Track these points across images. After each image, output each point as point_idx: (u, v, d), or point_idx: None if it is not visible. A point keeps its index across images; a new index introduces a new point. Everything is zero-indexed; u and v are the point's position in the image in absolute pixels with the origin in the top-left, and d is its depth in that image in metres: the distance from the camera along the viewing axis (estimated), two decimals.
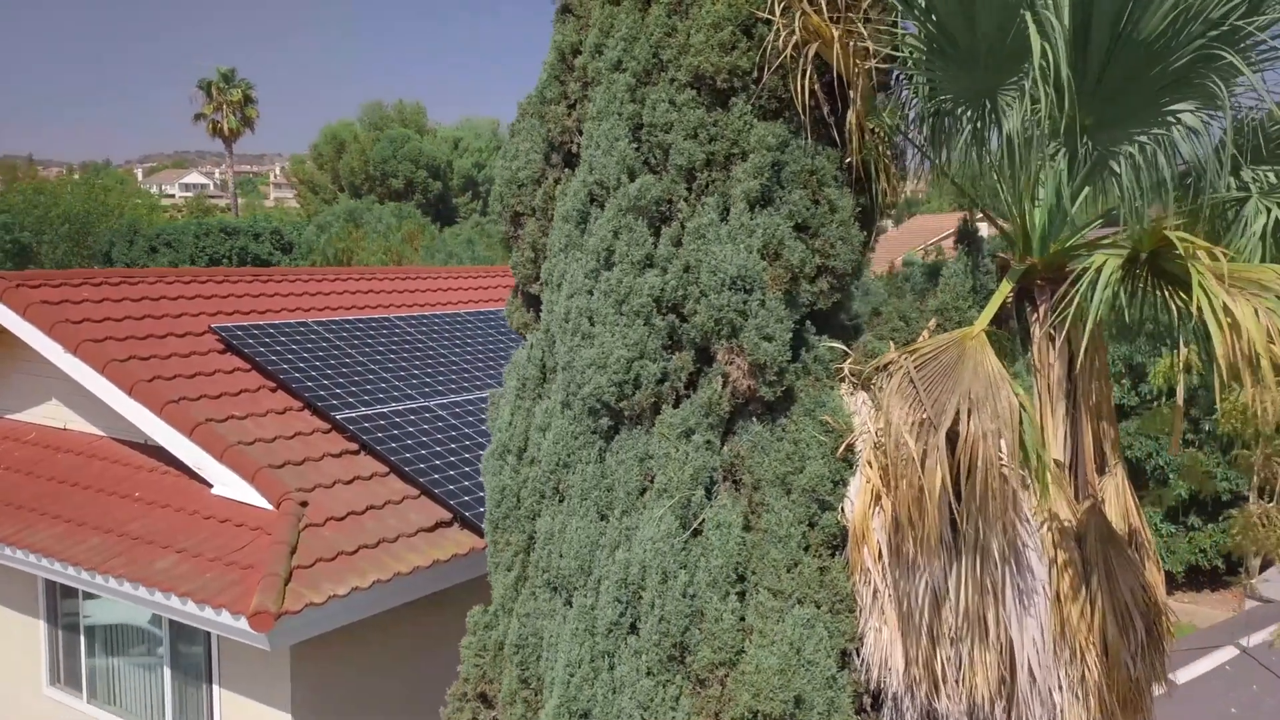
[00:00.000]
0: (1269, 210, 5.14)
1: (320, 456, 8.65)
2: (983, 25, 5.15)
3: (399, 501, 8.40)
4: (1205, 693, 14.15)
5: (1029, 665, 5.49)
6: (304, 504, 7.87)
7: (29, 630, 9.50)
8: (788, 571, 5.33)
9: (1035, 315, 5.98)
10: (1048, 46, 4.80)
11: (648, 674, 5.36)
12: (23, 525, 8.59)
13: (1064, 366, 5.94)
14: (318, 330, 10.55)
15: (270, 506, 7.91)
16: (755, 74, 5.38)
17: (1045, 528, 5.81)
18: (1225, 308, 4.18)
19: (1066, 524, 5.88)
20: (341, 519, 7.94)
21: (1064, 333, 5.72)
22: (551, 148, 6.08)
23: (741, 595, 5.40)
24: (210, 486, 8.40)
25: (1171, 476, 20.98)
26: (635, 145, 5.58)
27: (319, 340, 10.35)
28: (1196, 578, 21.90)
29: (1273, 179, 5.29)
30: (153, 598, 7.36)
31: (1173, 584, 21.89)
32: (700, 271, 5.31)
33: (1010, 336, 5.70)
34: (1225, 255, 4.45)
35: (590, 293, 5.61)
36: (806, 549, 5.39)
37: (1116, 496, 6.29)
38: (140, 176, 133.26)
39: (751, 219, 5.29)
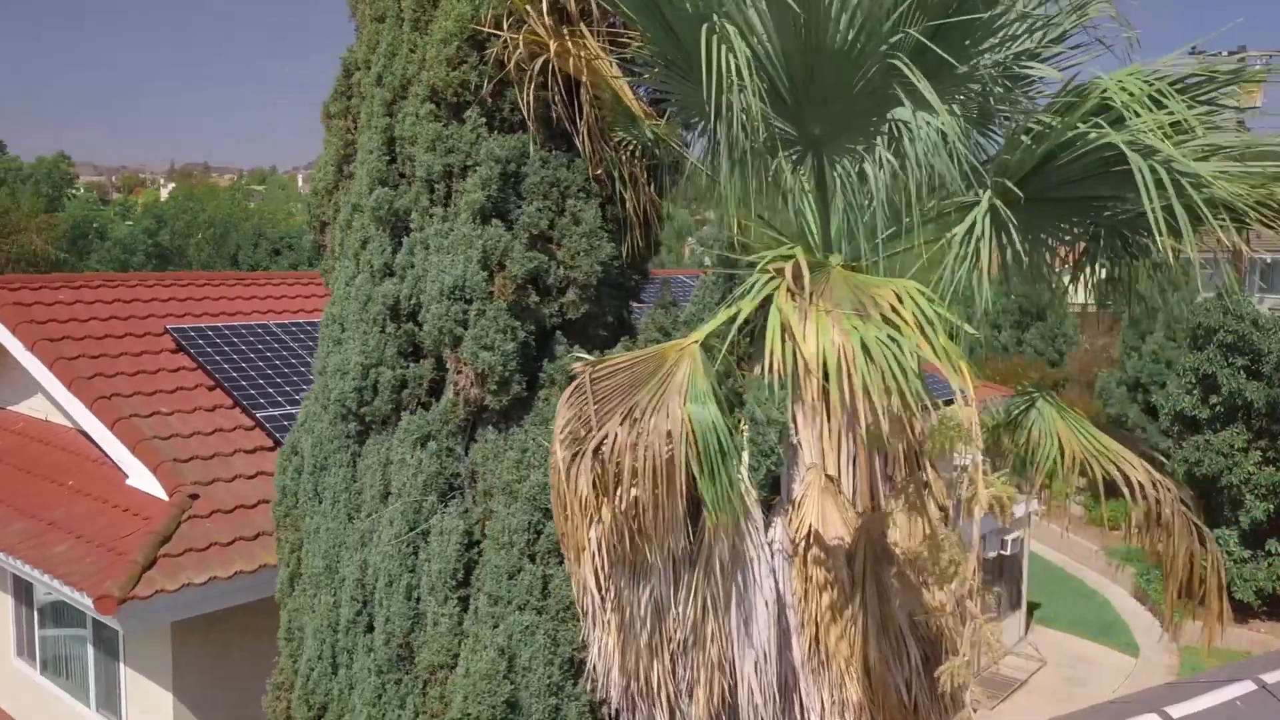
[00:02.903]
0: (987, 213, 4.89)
1: (232, 452, 9.12)
2: (684, 38, 5.09)
3: None
4: None
5: (749, 684, 5.41)
6: (194, 496, 8.33)
7: (1, 606, 10.35)
8: (509, 578, 5.39)
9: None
10: (729, 58, 4.71)
11: (378, 672, 5.52)
12: None
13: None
14: (275, 332, 11.09)
15: (166, 497, 8.40)
16: (490, 87, 5.47)
17: (802, 546, 5.68)
18: (784, 326, 4.06)
19: (836, 542, 5.73)
20: (229, 511, 8.36)
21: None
22: (342, 159, 6.30)
23: (466, 600, 5.49)
24: (127, 477, 8.98)
25: (1248, 498, 19.60)
26: (390, 158, 5.75)
27: (273, 341, 10.87)
28: (1278, 607, 20.39)
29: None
30: (42, 578, 7.96)
31: (1248, 612, 20.42)
32: (426, 281, 5.44)
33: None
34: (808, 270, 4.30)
35: (346, 299, 5.81)
36: (532, 557, 5.43)
37: (908, 517, 6.08)
38: (300, 182, 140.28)
39: (475, 230, 5.38)
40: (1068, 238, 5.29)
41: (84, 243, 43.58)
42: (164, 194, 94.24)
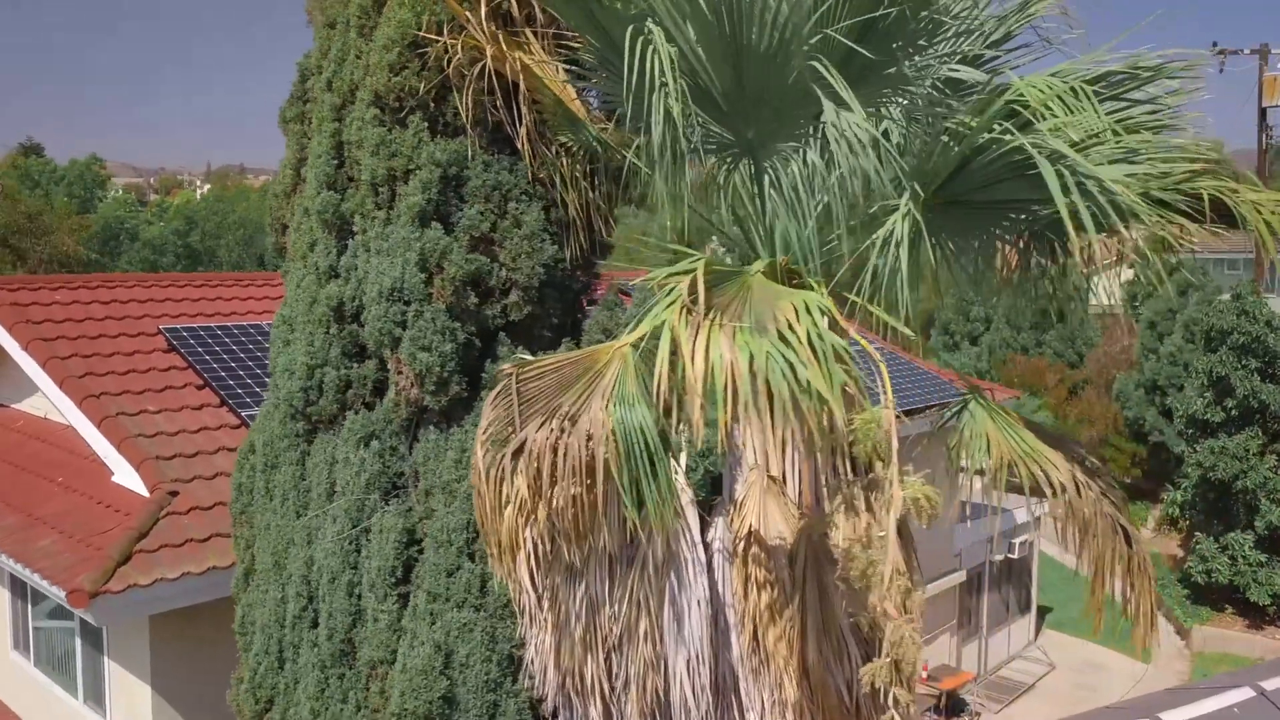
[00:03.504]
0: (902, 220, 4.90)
1: (215, 450, 9.27)
2: (617, 39, 5.14)
3: None
4: None
5: (681, 682, 5.45)
6: (174, 493, 8.49)
7: (1, 601, 10.59)
8: (448, 576, 5.47)
9: None
10: (654, 60, 4.75)
11: (321, 667, 5.62)
12: None
13: None
14: (266, 332, 11.24)
15: (148, 494, 8.57)
16: (433, 92, 5.56)
17: (741, 545, 5.70)
18: (674, 342, 4.11)
19: (778, 542, 5.75)
20: (208, 508, 8.51)
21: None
22: (299, 163, 6.41)
23: (406, 597, 5.58)
24: (113, 474, 9.16)
25: (1264, 502, 19.31)
26: (338, 162, 5.85)
27: (263, 341, 11.03)
28: None
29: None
30: (24, 572, 8.14)
31: (1263, 618, 20.12)
32: (367, 283, 5.53)
33: None
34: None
35: (295, 301, 5.92)
36: (471, 556, 5.51)
37: (848, 518, 6.08)
38: None
39: (414, 233, 5.46)
40: (998, 239, 5.28)
41: (115, 244, 44.24)
42: (200, 195, 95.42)
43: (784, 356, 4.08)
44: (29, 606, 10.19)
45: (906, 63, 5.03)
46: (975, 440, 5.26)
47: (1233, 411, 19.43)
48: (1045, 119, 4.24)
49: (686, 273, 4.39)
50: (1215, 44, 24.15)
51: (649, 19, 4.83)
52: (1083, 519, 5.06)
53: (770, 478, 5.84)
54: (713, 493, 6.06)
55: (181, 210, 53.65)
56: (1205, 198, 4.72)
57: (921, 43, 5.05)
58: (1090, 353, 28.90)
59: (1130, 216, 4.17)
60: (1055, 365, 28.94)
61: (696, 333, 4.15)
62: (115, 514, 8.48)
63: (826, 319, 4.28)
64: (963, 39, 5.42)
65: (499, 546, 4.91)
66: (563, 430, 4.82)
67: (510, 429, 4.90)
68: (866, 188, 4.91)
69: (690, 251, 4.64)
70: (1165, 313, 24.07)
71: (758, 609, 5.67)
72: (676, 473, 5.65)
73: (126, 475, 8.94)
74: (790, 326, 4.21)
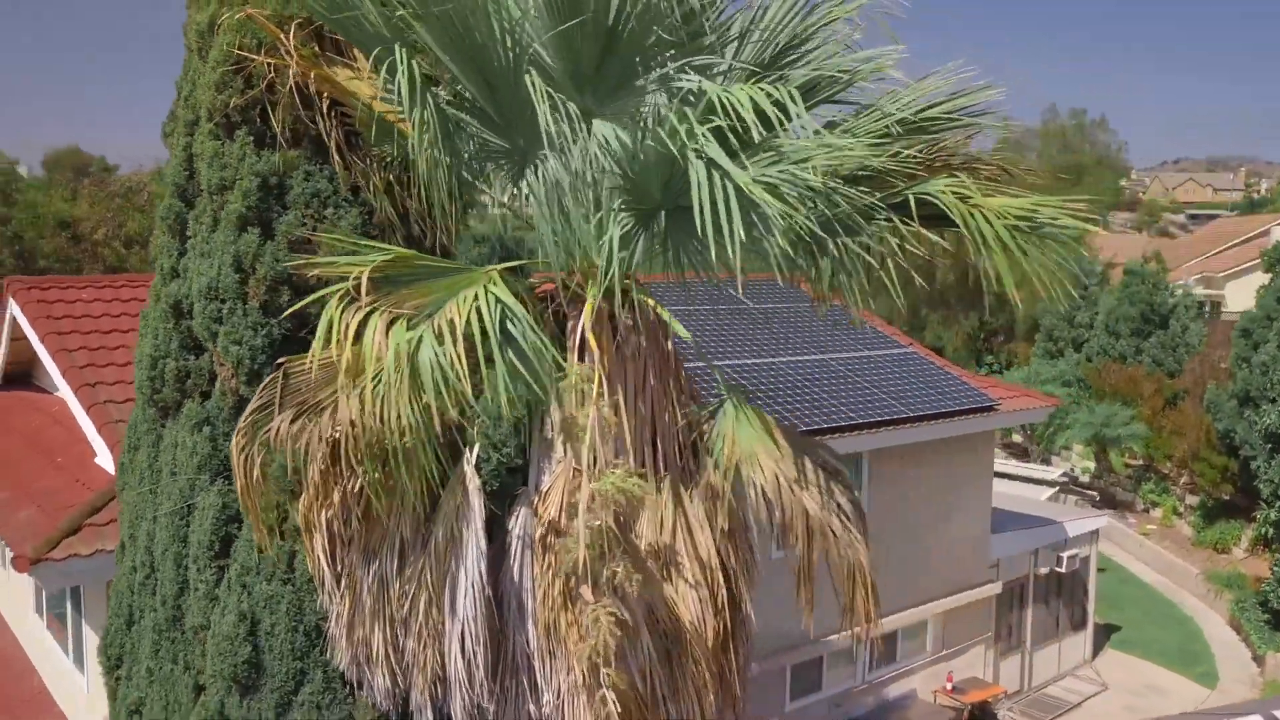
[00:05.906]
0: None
1: None
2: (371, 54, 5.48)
3: None
4: None
5: (457, 660, 5.77)
6: None
7: None
8: (259, 551, 5.96)
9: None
10: (402, 72, 5.08)
11: (157, 631, 6.19)
12: None
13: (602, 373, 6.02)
14: None
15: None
16: (257, 108, 6.05)
17: (540, 533, 5.98)
18: (330, 331, 4.43)
19: (581, 531, 6.00)
20: None
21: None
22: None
23: (225, 569, 6.09)
24: (95, 455, 10.08)
25: None
26: (189, 173, 6.42)
27: None
28: None
29: None
30: None
31: None
32: (192, 283, 6.07)
33: None
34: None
35: (149, 298, 6.53)
36: (283, 534, 5.98)
37: (656, 509, 6.26)
38: None
39: (231, 237, 5.97)
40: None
41: None
42: None
43: (433, 345, 4.39)
44: None
45: (652, 74, 5.22)
46: (719, 439, 5.42)
47: None
48: (706, 123, 4.36)
49: (359, 266, 4.73)
50: None
51: (400, 40, 5.18)
52: (781, 519, 5.15)
53: (576, 469, 6.10)
54: (520, 482, 6.33)
55: None
56: (912, 200, 4.76)
57: (671, 55, 5.24)
58: (1188, 361, 27.45)
59: (762, 214, 4.27)
60: (1153, 374, 27.64)
61: (352, 323, 4.49)
62: (85, 490, 9.34)
63: (500, 309, 4.56)
64: (740, 49, 5.57)
65: (261, 522, 5.35)
66: (310, 422, 5.23)
67: (269, 419, 5.35)
68: (596, 193, 5.14)
69: (380, 245, 4.99)
70: (1262, 319, 22.69)
71: (552, 595, 5.93)
72: (467, 463, 5.97)
73: (105, 456, 9.81)
74: (450, 321, 4.51)
